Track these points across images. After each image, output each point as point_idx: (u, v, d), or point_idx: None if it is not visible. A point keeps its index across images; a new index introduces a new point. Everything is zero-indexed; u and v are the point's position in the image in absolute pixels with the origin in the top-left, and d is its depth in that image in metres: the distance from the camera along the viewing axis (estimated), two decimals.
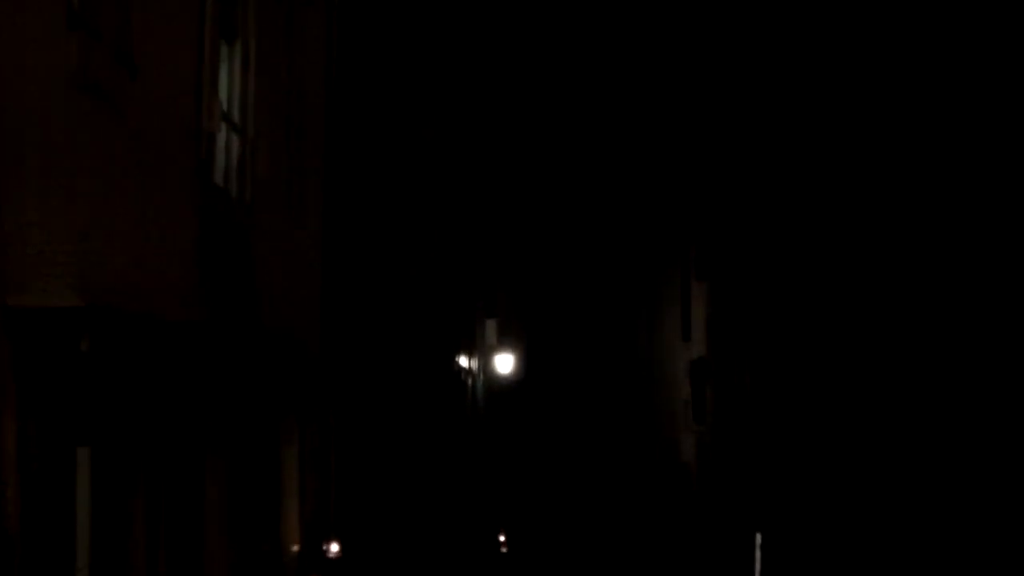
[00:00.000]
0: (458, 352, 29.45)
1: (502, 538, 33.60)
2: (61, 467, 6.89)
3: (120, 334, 7.50)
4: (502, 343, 38.51)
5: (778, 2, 21.74)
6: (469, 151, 31.13)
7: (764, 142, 22.93)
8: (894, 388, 19.02)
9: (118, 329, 7.43)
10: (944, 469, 18.18)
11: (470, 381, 33.01)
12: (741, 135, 24.75)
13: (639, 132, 36.54)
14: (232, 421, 10.78)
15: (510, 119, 37.55)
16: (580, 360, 46.30)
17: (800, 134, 21.03)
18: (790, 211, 21.40)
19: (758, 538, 22.99)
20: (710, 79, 26.98)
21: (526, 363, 44.43)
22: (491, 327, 37.67)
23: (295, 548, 13.79)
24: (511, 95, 36.51)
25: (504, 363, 38.44)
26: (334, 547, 15.11)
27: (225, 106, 10.55)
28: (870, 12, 19.54)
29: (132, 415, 8.06)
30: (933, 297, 18.66)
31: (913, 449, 18.66)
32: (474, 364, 33.52)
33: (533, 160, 41.41)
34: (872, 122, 19.54)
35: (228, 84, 10.86)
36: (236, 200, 10.93)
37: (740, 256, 24.97)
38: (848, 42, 19.88)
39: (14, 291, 6.19)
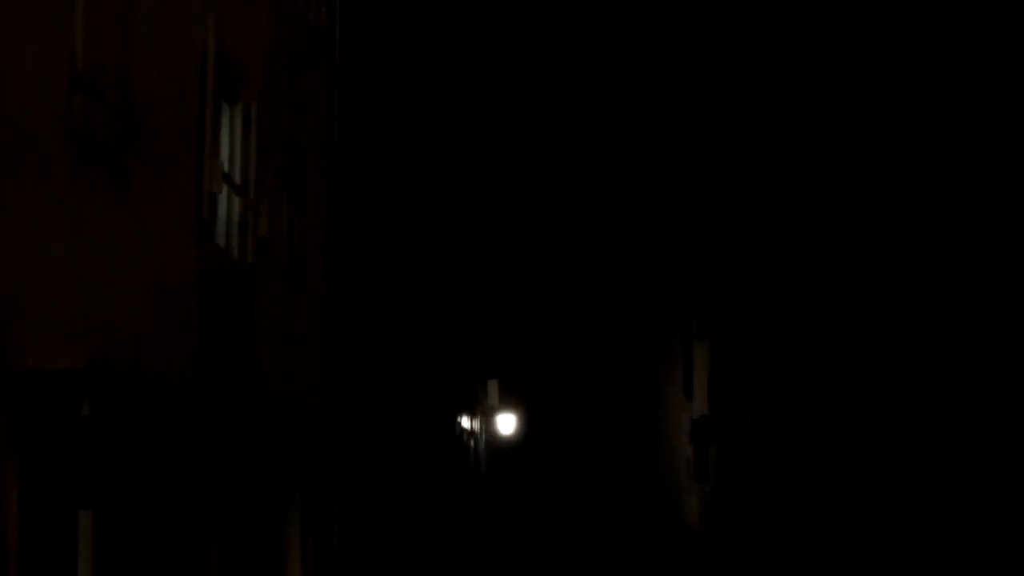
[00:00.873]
0: (460, 414, 29.35)
1: None
2: (63, 531, 6.83)
3: (121, 397, 7.45)
4: (504, 403, 38.41)
5: (772, 76, 21.83)
6: (473, 212, 31.16)
7: (763, 208, 22.96)
8: (899, 447, 18.95)
9: (119, 392, 7.38)
10: (948, 522, 18.08)
11: (472, 442, 32.88)
12: (741, 201, 24.79)
13: (643, 197, 36.64)
14: (234, 484, 10.70)
15: (514, 181, 37.64)
16: (582, 419, 46.19)
17: (795, 203, 21.08)
18: (789, 272, 21.40)
19: None
20: (709, 148, 27.06)
21: (528, 423, 44.31)
22: (493, 387, 37.58)
23: None
24: (513, 156, 36.61)
25: (506, 424, 38.32)
26: None
27: (226, 167, 10.54)
28: (862, 87, 19.62)
29: (134, 479, 7.99)
30: (930, 359, 18.63)
31: (919, 508, 18.56)
32: (476, 425, 33.41)
33: (537, 223, 41.48)
34: (862, 195, 19.61)
35: (229, 145, 10.86)
36: (237, 261, 10.90)
37: (741, 315, 24.94)
38: (842, 115, 19.96)
39: (15, 353, 6.15)
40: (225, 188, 10.46)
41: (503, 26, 29.26)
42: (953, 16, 18.35)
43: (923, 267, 18.81)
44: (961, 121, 18.41)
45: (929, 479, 18.48)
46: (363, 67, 17.37)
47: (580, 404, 46.46)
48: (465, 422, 30.51)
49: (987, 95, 18.26)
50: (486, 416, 36.52)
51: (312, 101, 14.50)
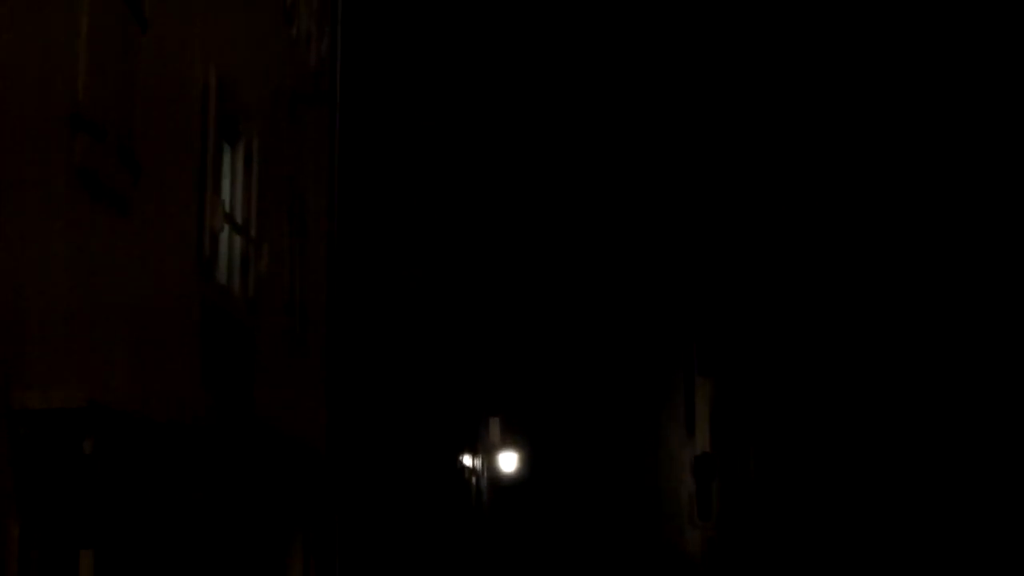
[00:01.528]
0: (462, 451, 29.28)
1: None
2: (64, 570, 6.81)
3: (123, 435, 7.45)
4: (506, 441, 38.31)
5: (773, 111, 21.88)
6: (476, 249, 31.17)
7: (763, 247, 23.00)
8: (901, 485, 18.91)
9: (121, 430, 7.38)
10: (954, 559, 18.03)
11: (474, 480, 32.79)
12: (742, 240, 24.83)
13: (645, 237, 36.65)
14: (236, 521, 10.68)
15: (516, 218, 37.67)
16: (585, 456, 46.07)
17: (795, 244, 21.12)
18: (789, 310, 21.41)
19: None
20: (712, 188, 27.10)
21: (530, 460, 44.18)
22: (495, 425, 37.50)
23: None
24: (514, 191, 36.63)
25: (508, 461, 38.20)
26: None
27: (228, 206, 10.56)
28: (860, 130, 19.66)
29: (136, 517, 7.98)
30: (930, 397, 18.63)
31: (922, 545, 18.50)
32: (478, 463, 33.33)
33: (540, 261, 41.48)
34: (859, 240, 19.66)
35: (230, 183, 10.88)
36: (239, 298, 10.91)
37: (742, 352, 24.94)
38: (839, 156, 20.01)
39: (16, 391, 6.15)
40: (226, 226, 10.47)
41: (503, 64, 29.34)
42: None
43: (920, 311, 18.83)
44: (957, 156, 18.44)
45: (933, 516, 18.43)
46: (364, 103, 17.41)
47: (582, 441, 46.33)
48: (467, 460, 30.44)
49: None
50: (488, 453, 36.42)
51: (313, 137, 14.53)
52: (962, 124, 18.30)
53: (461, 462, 29.24)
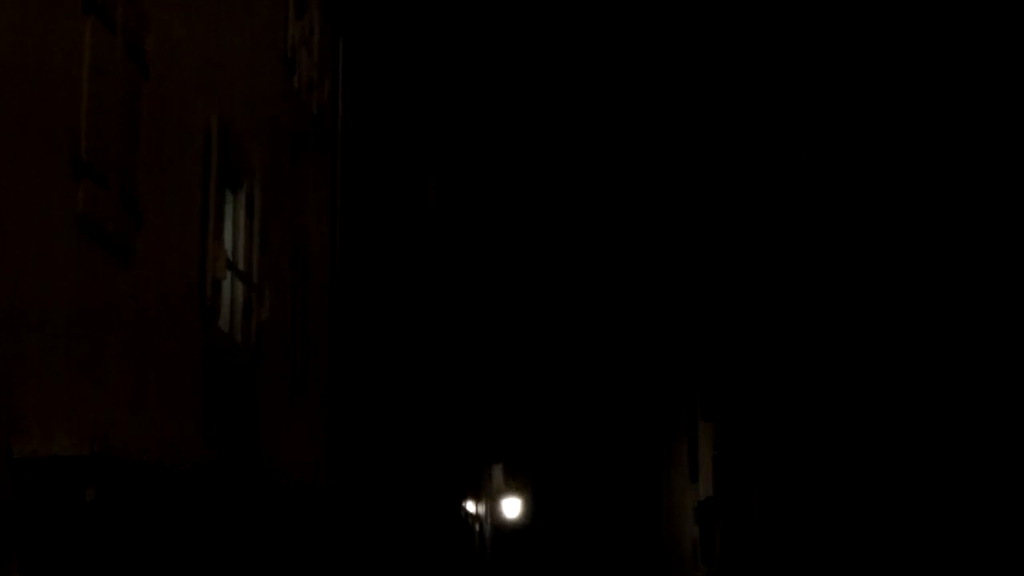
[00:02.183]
0: (465, 498, 29.22)
1: None
2: None
3: (126, 483, 7.43)
4: (509, 486, 38.26)
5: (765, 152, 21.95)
6: (479, 294, 31.19)
7: (766, 293, 23.02)
8: (909, 533, 18.87)
9: (124, 478, 7.36)
10: None
11: (477, 526, 32.71)
12: (746, 285, 24.86)
13: (648, 285, 36.70)
14: (239, 568, 10.64)
15: (519, 263, 37.70)
16: (588, 502, 46.00)
17: (797, 290, 21.15)
18: (792, 355, 21.42)
19: None
20: (714, 236, 27.15)
21: (534, 505, 44.10)
22: (498, 471, 37.47)
23: None
24: (518, 242, 36.70)
25: (511, 507, 38.17)
26: None
27: (230, 254, 10.58)
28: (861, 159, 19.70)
29: (138, 565, 7.95)
30: (932, 441, 18.62)
31: None
32: (481, 509, 33.26)
33: (542, 308, 41.52)
34: (861, 286, 19.68)
35: (233, 231, 10.90)
36: (241, 345, 10.91)
37: (745, 398, 24.92)
38: (838, 195, 20.04)
39: (18, 439, 6.14)
40: (228, 273, 10.49)
41: (505, 107, 29.43)
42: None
43: (919, 359, 18.83)
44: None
45: (940, 559, 18.37)
46: (366, 148, 17.46)
47: (585, 486, 46.29)
48: (470, 506, 30.37)
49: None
50: (491, 499, 36.35)
51: (315, 183, 14.58)
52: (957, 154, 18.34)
53: (464, 508, 29.18)
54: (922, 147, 18.86)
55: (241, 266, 10.96)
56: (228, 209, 10.75)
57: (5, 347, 6.05)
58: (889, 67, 18.93)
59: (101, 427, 7.13)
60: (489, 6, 24.27)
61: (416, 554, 20.60)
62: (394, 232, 19.49)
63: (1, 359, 6.01)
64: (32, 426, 6.30)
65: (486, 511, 34.67)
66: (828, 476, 20.30)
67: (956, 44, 18.32)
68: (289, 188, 13.02)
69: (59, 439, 6.43)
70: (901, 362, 19.09)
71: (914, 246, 19.12)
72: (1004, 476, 17.85)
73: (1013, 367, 17.82)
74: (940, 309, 18.80)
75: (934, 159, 18.75)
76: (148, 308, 8.13)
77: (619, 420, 44.23)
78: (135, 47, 7.86)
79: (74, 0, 6.97)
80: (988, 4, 18.06)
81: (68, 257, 6.83)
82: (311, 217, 14.18)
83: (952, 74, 18.43)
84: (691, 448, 31.78)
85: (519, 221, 35.54)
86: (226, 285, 10.49)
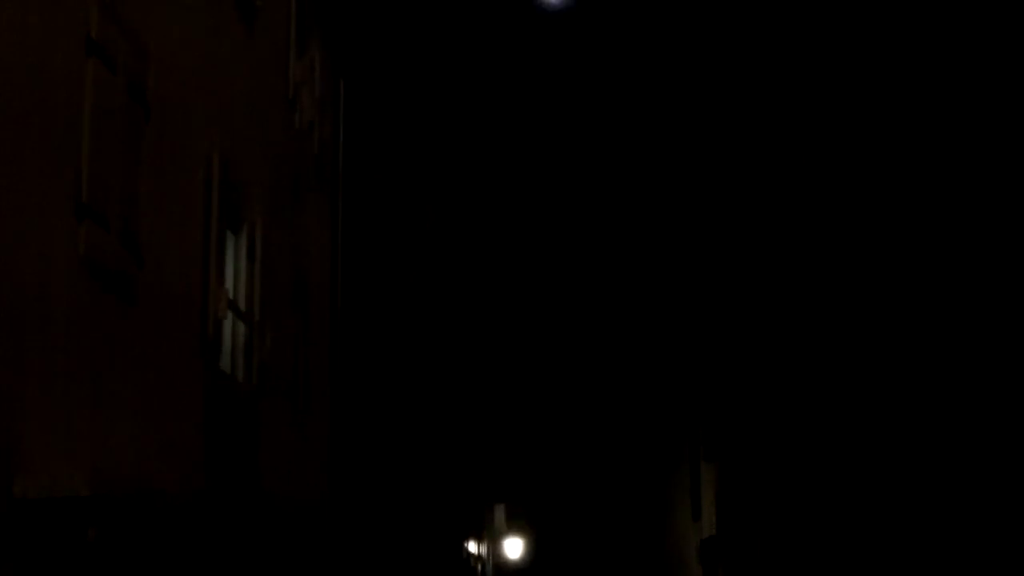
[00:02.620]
0: (467, 538, 29.15)
1: None
2: None
3: (128, 523, 7.42)
4: (511, 526, 38.16)
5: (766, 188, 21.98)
6: (480, 332, 31.20)
7: (769, 334, 23.02)
8: (910, 563, 18.81)
9: (125, 518, 7.35)
10: None
11: (479, 566, 32.62)
12: (748, 328, 24.85)
13: (650, 323, 36.68)
14: None
15: (520, 300, 37.72)
16: (590, 542, 45.84)
17: (799, 327, 21.15)
18: (794, 395, 21.41)
19: None
20: (715, 273, 27.16)
21: (536, 546, 43.97)
22: (500, 511, 37.39)
23: None
24: (519, 278, 36.72)
25: (513, 548, 38.07)
26: None
27: (231, 294, 10.59)
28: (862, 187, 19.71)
29: None
30: (934, 470, 18.57)
31: None
32: (483, 549, 33.17)
33: (543, 346, 41.50)
34: (862, 317, 19.68)
35: (234, 271, 10.92)
36: (242, 384, 10.91)
37: (747, 438, 24.89)
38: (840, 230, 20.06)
39: (19, 479, 6.13)
40: (230, 313, 10.50)
41: (502, 139, 29.51)
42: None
43: (921, 390, 18.80)
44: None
45: None
46: (367, 186, 17.51)
47: (588, 526, 46.14)
48: (472, 546, 30.29)
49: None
50: (493, 540, 36.25)
51: (316, 222, 14.60)
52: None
53: (467, 548, 29.10)
54: (920, 174, 18.85)
55: (242, 306, 10.97)
56: (229, 249, 10.77)
57: (7, 385, 6.06)
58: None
59: (102, 466, 7.13)
60: (484, 38, 24.37)
61: None
62: (395, 267, 19.53)
63: (3, 397, 6.02)
64: (34, 465, 6.29)
65: (488, 551, 34.57)
66: (830, 516, 20.26)
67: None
68: (290, 227, 13.04)
69: (61, 478, 6.42)
70: (901, 407, 19.07)
71: (917, 287, 19.11)
72: (1010, 500, 17.79)
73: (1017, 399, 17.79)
74: (938, 352, 18.78)
75: (933, 186, 18.73)
76: (150, 348, 8.14)
77: (621, 461, 44.13)
78: (137, 87, 7.89)
79: (76, 43, 7.01)
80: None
81: (70, 297, 6.85)
82: (312, 255, 14.21)
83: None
84: (694, 488, 31.68)
85: (523, 255, 35.57)
86: (227, 325, 10.50)
